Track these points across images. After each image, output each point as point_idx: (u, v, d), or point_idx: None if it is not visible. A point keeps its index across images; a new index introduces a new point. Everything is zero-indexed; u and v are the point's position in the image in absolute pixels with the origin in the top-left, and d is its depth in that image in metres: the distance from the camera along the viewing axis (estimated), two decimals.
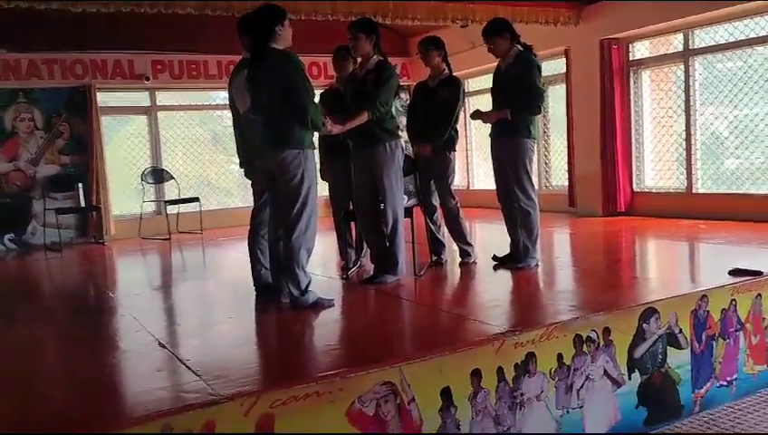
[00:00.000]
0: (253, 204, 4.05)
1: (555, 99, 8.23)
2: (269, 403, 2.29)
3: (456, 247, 4.90)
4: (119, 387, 2.73)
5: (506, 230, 4.61)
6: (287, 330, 3.45)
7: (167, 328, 3.75)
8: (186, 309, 4.34)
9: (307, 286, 3.61)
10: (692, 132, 6.69)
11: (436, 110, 4.67)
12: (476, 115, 4.48)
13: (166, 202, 8.16)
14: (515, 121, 4.30)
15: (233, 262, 5.98)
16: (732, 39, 6.32)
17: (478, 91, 8.92)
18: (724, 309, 3.51)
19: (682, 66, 6.76)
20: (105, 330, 3.73)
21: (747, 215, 5.97)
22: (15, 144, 7.72)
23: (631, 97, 7.27)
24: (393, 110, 4.24)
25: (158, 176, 8.42)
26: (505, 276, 4.40)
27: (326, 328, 3.43)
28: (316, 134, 3.79)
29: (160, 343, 3.14)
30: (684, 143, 6.79)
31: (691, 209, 6.55)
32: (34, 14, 5.74)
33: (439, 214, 4.90)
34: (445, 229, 4.91)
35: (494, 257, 4.68)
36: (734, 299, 3.55)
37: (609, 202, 7.24)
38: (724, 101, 6.51)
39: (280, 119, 3.50)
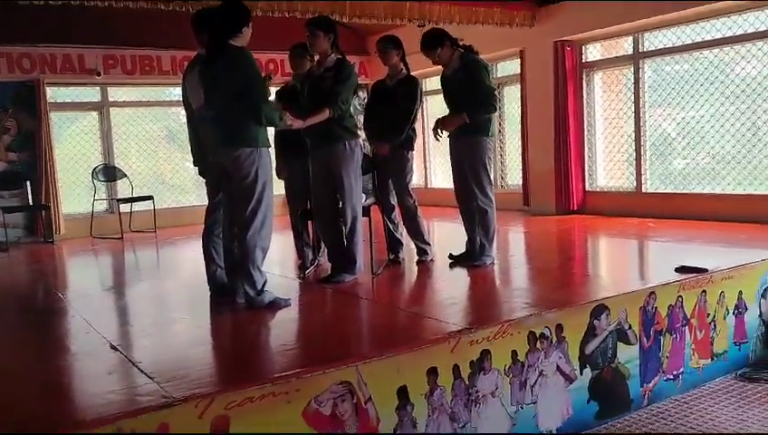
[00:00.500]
0: (207, 202, 4.00)
1: (510, 99, 8.35)
2: (224, 405, 2.27)
3: (413, 246, 4.94)
4: (68, 391, 2.66)
5: (463, 228, 4.67)
6: (243, 330, 3.42)
7: (119, 329, 3.68)
8: (138, 310, 4.25)
9: (263, 286, 3.58)
10: (641, 133, 6.89)
11: (395, 109, 4.69)
12: (437, 125, 4.50)
13: (118, 201, 7.97)
14: (473, 121, 4.36)
15: (187, 261, 5.89)
16: (680, 42, 6.52)
17: (436, 90, 8.98)
18: (670, 305, 3.63)
19: (632, 68, 6.95)
20: (54, 332, 3.63)
21: (693, 214, 6.18)
22: None
23: (584, 98, 7.43)
24: (351, 108, 4.24)
25: (110, 173, 8.21)
26: (462, 275, 4.45)
27: (282, 328, 3.41)
28: (271, 132, 3.76)
29: (112, 345, 3.07)
30: (633, 144, 6.98)
31: (640, 208, 6.75)
32: None
33: (397, 212, 4.93)
34: (402, 228, 4.94)
35: (451, 256, 4.73)
36: (680, 295, 3.67)
37: (562, 201, 7.39)
38: (672, 103, 6.72)
39: (234, 116, 3.47)
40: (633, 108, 6.95)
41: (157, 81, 8.47)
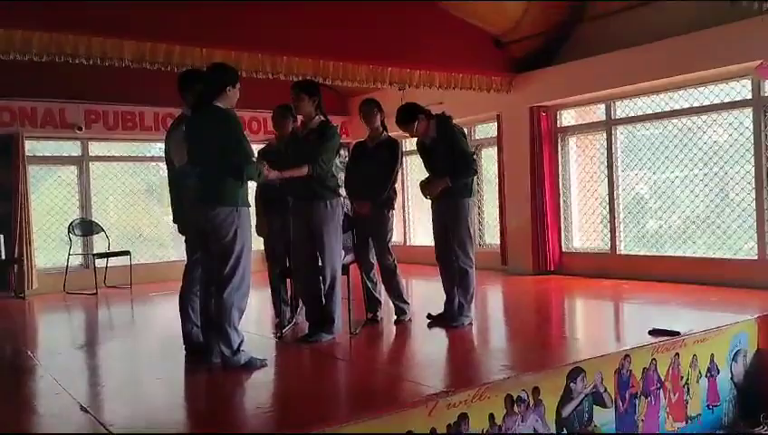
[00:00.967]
0: (186, 258, 3.99)
1: (488, 161, 8.54)
2: None
3: (392, 305, 4.94)
4: None
5: (442, 287, 4.70)
6: (217, 391, 3.37)
7: (89, 390, 3.60)
8: (111, 369, 4.16)
9: (239, 346, 3.55)
10: (615, 196, 7.07)
11: (375, 170, 4.77)
12: (423, 191, 4.64)
13: (94, 255, 7.86)
14: (455, 185, 4.47)
15: (162, 319, 5.80)
16: (650, 111, 6.78)
17: (414, 150, 9.11)
18: (645, 368, 3.66)
19: (605, 134, 7.18)
20: (22, 392, 3.54)
21: (666, 276, 6.30)
22: None
23: (559, 161, 7.63)
24: (333, 167, 4.31)
25: (87, 228, 8.12)
26: (440, 335, 4.46)
27: (258, 389, 3.37)
28: (252, 187, 3.79)
29: (82, 407, 3.01)
30: (608, 205, 7.15)
31: (615, 269, 6.86)
32: None
33: (376, 271, 4.94)
34: (381, 287, 4.95)
35: (429, 316, 4.74)
36: (654, 358, 3.72)
37: (539, 261, 7.48)
38: (645, 166, 6.93)
39: (216, 174, 3.51)
40: (607, 171, 7.15)
41: (139, 136, 8.47)
